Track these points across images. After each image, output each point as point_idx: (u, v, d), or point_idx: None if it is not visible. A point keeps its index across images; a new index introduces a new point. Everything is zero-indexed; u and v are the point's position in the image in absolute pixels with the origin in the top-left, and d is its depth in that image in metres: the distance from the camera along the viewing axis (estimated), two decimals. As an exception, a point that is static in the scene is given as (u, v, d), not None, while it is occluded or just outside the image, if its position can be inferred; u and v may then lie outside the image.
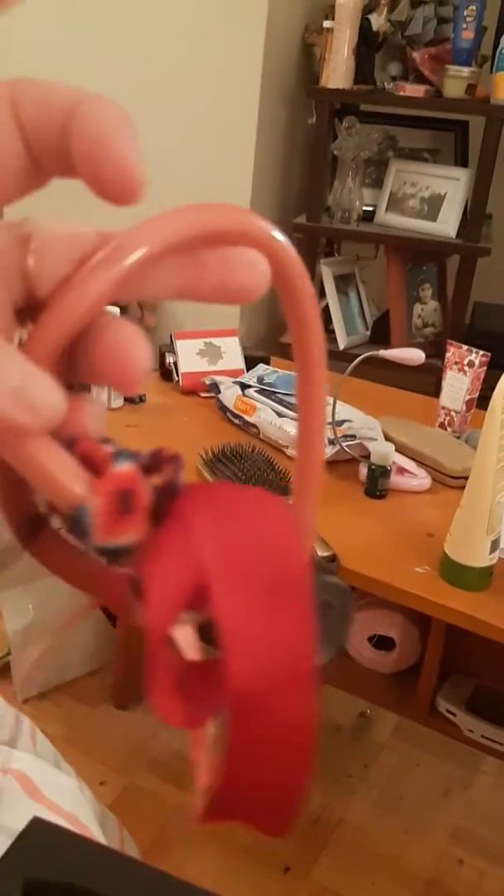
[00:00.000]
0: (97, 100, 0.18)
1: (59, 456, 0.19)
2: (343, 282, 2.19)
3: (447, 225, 2.02)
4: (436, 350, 2.17)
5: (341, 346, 2.15)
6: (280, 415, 1.32)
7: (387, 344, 2.16)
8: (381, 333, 2.19)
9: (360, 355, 2.16)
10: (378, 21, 1.99)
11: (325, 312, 2.20)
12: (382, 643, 1.24)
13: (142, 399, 1.43)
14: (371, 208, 2.12)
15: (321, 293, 2.20)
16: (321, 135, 2.04)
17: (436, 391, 1.39)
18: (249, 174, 2.10)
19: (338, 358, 2.17)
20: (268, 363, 1.54)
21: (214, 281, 0.20)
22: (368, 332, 2.22)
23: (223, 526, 0.20)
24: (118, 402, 1.39)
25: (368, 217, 2.13)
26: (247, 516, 0.20)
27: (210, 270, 0.20)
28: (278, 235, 0.20)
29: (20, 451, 0.18)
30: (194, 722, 0.20)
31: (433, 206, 2.05)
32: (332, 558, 1.01)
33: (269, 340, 2.36)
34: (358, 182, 2.08)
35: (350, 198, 2.07)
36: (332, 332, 2.18)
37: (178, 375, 1.49)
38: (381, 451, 1.17)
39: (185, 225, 0.19)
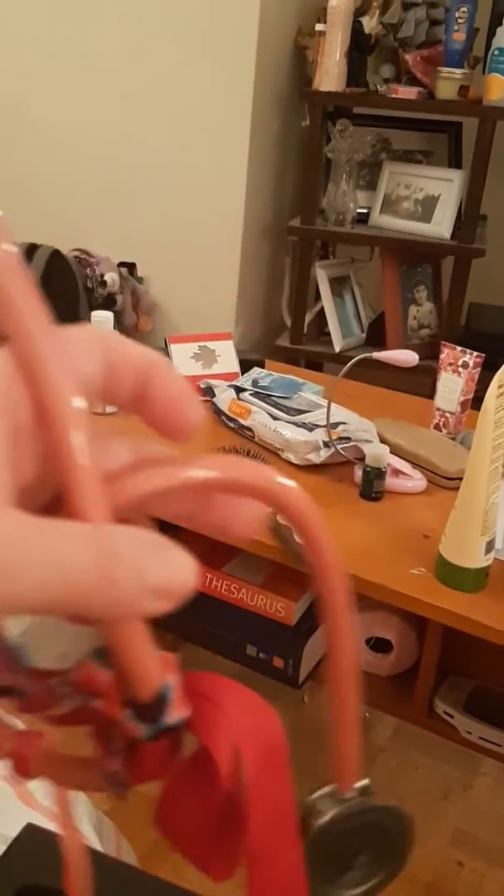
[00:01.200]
0: (166, 367, 0.22)
1: (146, 636, 0.21)
2: (338, 284, 2.20)
3: (441, 226, 2.02)
4: (431, 351, 2.17)
5: (337, 349, 2.15)
6: (275, 418, 1.31)
7: (382, 346, 2.16)
8: (376, 335, 2.19)
9: (354, 356, 2.16)
10: (370, 23, 2.00)
11: (321, 315, 2.20)
12: (380, 645, 1.24)
13: (137, 403, 1.43)
14: (365, 210, 2.13)
15: (316, 296, 2.20)
16: (314, 137, 2.04)
17: (431, 392, 1.39)
18: (243, 177, 2.10)
19: (334, 360, 2.17)
20: (262, 366, 1.54)
21: (216, 523, 0.23)
22: (364, 335, 2.22)
23: (242, 710, 0.23)
24: (112, 407, 1.38)
25: (363, 219, 2.13)
26: (247, 701, 0.24)
27: (215, 512, 0.23)
28: (300, 496, 0.23)
29: (125, 634, 0.20)
30: (230, 873, 0.25)
31: (427, 208, 2.05)
32: (328, 561, 1.01)
33: (264, 343, 2.36)
34: (352, 184, 2.08)
35: (344, 200, 2.07)
36: (328, 334, 2.18)
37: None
38: (376, 453, 1.17)
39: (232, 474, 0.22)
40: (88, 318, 2.24)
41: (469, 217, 1.96)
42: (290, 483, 0.22)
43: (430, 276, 2.18)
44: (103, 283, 2.24)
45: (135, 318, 2.33)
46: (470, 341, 2.06)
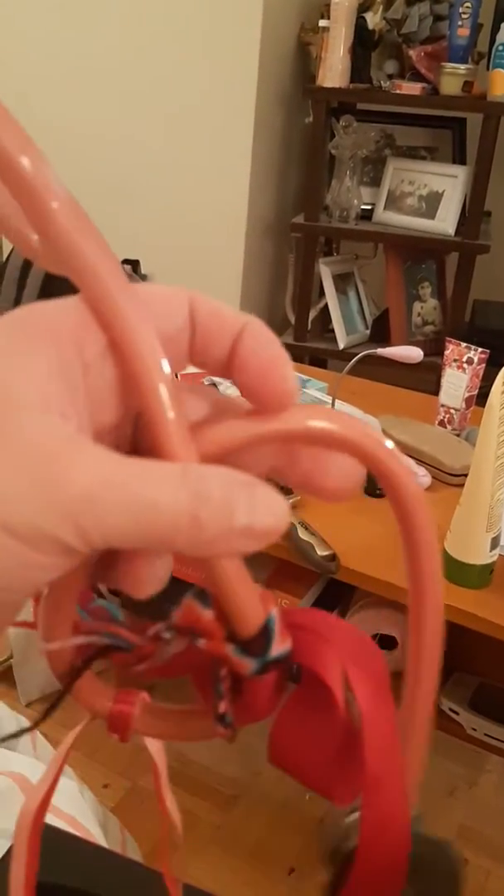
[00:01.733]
0: (261, 327, 0.21)
1: (245, 573, 0.21)
2: (342, 281, 2.19)
3: (446, 223, 2.01)
4: (436, 348, 2.16)
5: (341, 346, 2.15)
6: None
7: (387, 342, 2.16)
8: (380, 332, 2.19)
9: (358, 353, 2.16)
10: (374, 19, 1.99)
11: (325, 312, 2.20)
12: (385, 642, 1.24)
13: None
14: (369, 207, 2.12)
15: (320, 293, 2.20)
16: (318, 134, 2.04)
17: (436, 389, 1.39)
18: (246, 175, 2.10)
19: (338, 357, 2.17)
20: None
21: (302, 477, 0.22)
22: (368, 331, 2.22)
23: (346, 640, 0.23)
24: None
25: (367, 216, 2.12)
26: (349, 631, 0.24)
27: (302, 466, 0.22)
28: (390, 453, 0.22)
29: (222, 572, 0.20)
30: (353, 797, 0.24)
31: (431, 204, 2.04)
32: (332, 557, 1.01)
33: (268, 341, 2.36)
34: (356, 181, 2.08)
35: (348, 196, 2.07)
36: (332, 331, 2.18)
37: (177, 376, 1.48)
38: (381, 449, 1.17)
39: (337, 424, 0.21)
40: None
41: (473, 213, 1.96)
42: (382, 438, 0.21)
43: (435, 273, 2.17)
44: (107, 281, 2.24)
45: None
46: (474, 338, 2.06)
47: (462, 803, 1.36)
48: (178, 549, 0.18)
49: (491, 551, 0.98)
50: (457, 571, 0.99)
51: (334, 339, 2.17)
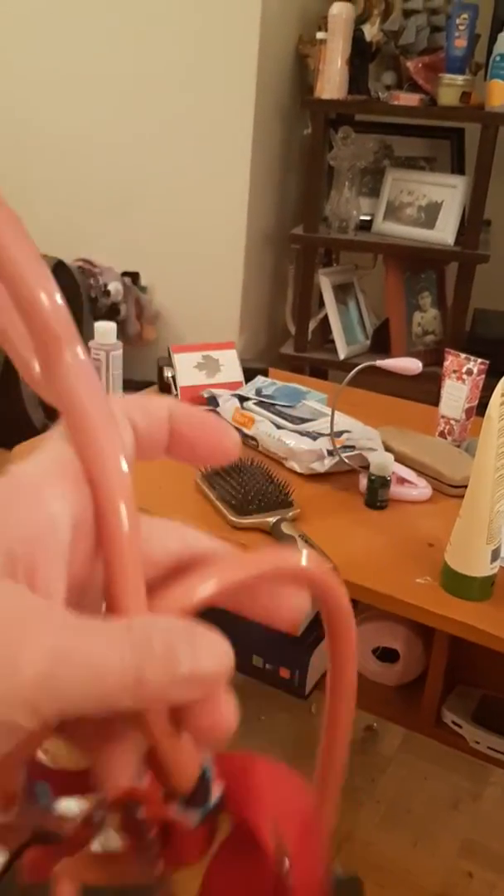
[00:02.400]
0: (185, 405, 0.23)
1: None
2: (342, 291, 2.19)
3: (445, 232, 2.02)
4: (436, 358, 2.16)
5: (342, 356, 2.15)
6: (279, 427, 1.31)
7: (387, 353, 2.16)
8: (381, 342, 2.19)
9: (359, 363, 2.16)
10: (371, 31, 2.00)
11: (325, 323, 2.20)
12: (386, 655, 1.23)
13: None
14: (368, 217, 2.13)
15: (320, 303, 2.20)
16: (316, 145, 2.04)
17: (436, 399, 1.38)
18: (246, 186, 2.11)
19: (338, 368, 2.17)
20: (266, 375, 1.54)
21: (261, 612, 0.24)
22: (369, 342, 2.22)
23: (276, 786, 0.24)
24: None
25: (366, 226, 2.13)
26: (279, 777, 0.24)
27: (260, 602, 0.24)
28: (335, 580, 0.24)
29: (160, 724, 0.20)
30: None
31: (430, 214, 2.04)
32: (333, 570, 1.00)
33: (269, 351, 2.36)
34: (355, 191, 2.08)
35: (347, 207, 2.07)
36: (332, 342, 2.18)
37: (176, 389, 1.48)
38: (381, 461, 1.16)
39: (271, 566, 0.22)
40: (92, 329, 2.25)
41: (472, 223, 1.96)
42: (328, 569, 0.23)
43: (435, 283, 2.17)
44: (107, 293, 2.25)
45: (138, 327, 2.34)
46: (475, 347, 2.06)
47: (466, 816, 1.35)
48: (123, 707, 0.18)
49: (492, 563, 0.98)
50: (458, 584, 0.99)
51: (335, 350, 2.17)
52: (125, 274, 2.29)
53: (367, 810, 1.35)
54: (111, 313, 2.27)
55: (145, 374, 2.26)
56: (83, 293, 2.21)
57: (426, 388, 1.84)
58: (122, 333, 2.34)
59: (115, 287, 2.25)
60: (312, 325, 2.20)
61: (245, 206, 2.13)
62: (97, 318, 2.20)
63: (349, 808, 1.35)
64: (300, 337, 2.20)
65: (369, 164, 2.15)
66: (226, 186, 2.11)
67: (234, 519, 1.10)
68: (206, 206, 2.15)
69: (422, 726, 1.20)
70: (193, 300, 2.29)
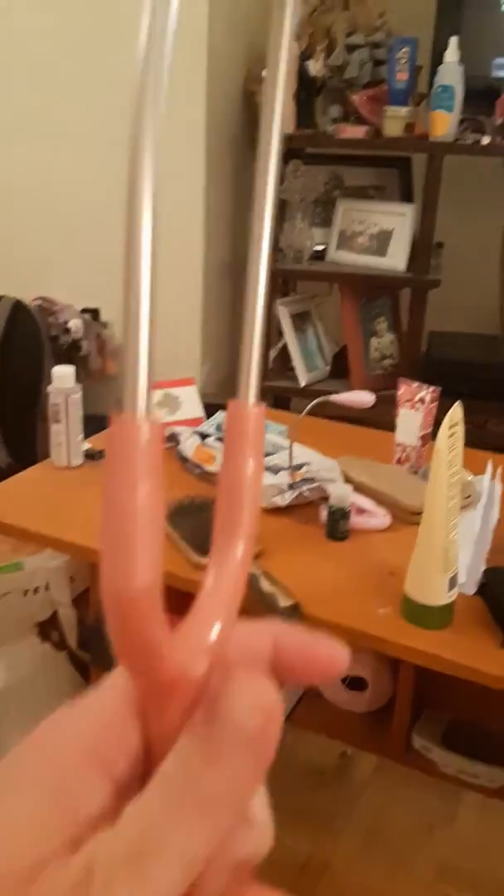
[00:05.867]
0: (291, 633, 0.24)
1: None
2: (300, 319, 2.23)
3: (396, 259, 2.06)
4: (394, 381, 2.20)
5: (302, 383, 2.18)
6: (239, 462, 1.33)
7: (347, 378, 2.19)
8: (340, 368, 2.23)
9: (321, 391, 2.19)
10: (316, 66, 2.05)
11: (285, 351, 2.23)
12: (355, 683, 1.25)
13: (101, 455, 1.44)
14: (322, 247, 2.17)
15: (280, 332, 2.23)
16: (268, 179, 2.08)
17: (396, 422, 1.40)
18: (202, 220, 2.14)
19: (299, 395, 2.20)
20: (226, 409, 1.56)
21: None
22: (328, 368, 2.25)
23: None
24: (78, 460, 1.39)
25: (320, 256, 2.17)
26: None
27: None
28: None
29: None
30: None
31: (382, 242, 2.09)
32: (296, 607, 1.02)
33: (232, 381, 2.38)
34: (307, 222, 2.12)
35: (301, 238, 2.11)
36: (293, 369, 2.21)
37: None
38: (340, 493, 1.19)
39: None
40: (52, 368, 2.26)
41: (423, 249, 2.01)
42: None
43: (389, 308, 2.21)
44: (67, 331, 2.26)
45: (101, 362, 2.35)
46: (431, 369, 2.10)
47: (442, 839, 1.36)
48: None
49: (449, 591, 1.00)
50: (417, 614, 1.01)
51: (296, 377, 2.20)
52: (85, 310, 2.31)
53: (344, 838, 1.36)
54: (72, 350, 2.28)
55: (103, 407, 2.27)
56: (43, 332, 2.21)
57: (386, 411, 1.88)
58: (84, 369, 2.35)
59: (75, 324, 2.27)
60: (273, 353, 2.23)
61: (202, 240, 2.16)
62: (58, 356, 2.22)
63: (327, 836, 1.36)
64: (262, 366, 2.22)
65: (320, 194, 2.19)
66: (182, 221, 2.14)
67: (196, 559, 1.11)
68: (164, 240, 2.17)
69: (393, 752, 1.22)
70: (155, 332, 2.30)
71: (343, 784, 1.45)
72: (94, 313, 2.33)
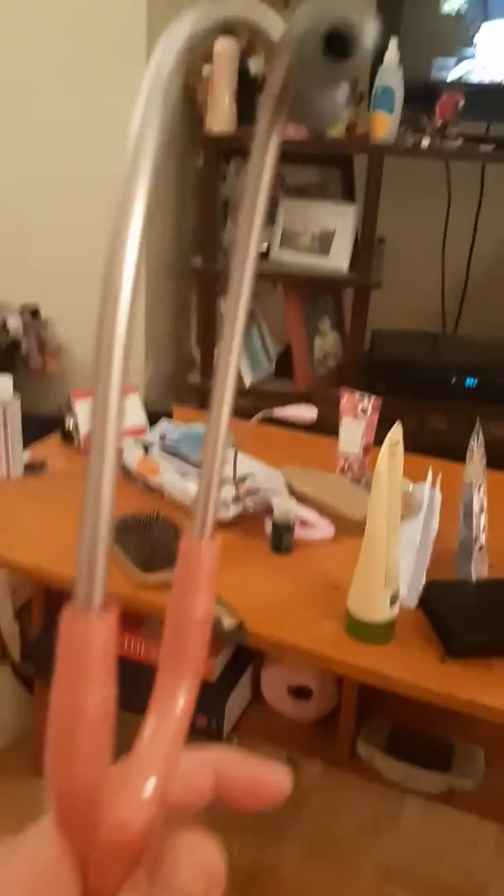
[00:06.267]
0: (234, 761, 0.24)
1: None
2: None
3: (339, 260, 2.07)
4: (339, 380, 2.22)
5: (247, 383, 2.18)
6: (184, 474, 1.32)
7: (291, 377, 2.19)
8: (284, 367, 2.23)
9: (266, 391, 2.18)
10: (257, 65, 2.03)
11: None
12: (301, 692, 1.26)
13: (42, 467, 1.41)
14: (265, 246, 2.16)
15: (221, 333, 2.22)
16: (209, 178, 2.06)
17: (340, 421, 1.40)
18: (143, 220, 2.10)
19: (244, 395, 2.19)
20: (170, 417, 1.55)
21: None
22: (273, 366, 2.25)
23: None
24: (17, 471, 1.36)
25: (264, 255, 2.16)
26: None
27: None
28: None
29: None
30: None
31: (324, 242, 2.09)
32: (240, 626, 1.02)
33: (176, 380, 2.37)
34: (250, 221, 2.11)
35: (243, 237, 2.09)
36: (237, 369, 2.20)
37: (78, 438, 1.48)
38: (283, 508, 1.19)
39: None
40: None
41: (365, 250, 2.01)
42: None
43: (332, 307, 2.22)
44: (6, 330, 2.21)
45: (41, 360, 2.30)
46: (375, 369, 2.12)
47: (388, 841, 1.39)
48: None
49: (391, 607, 1.01)
50: (360, 629, 1.02)
51: (240, 378, 2.19)
52: (24, 308, 2.26)
53: (290, 844, 1.37)
54: (11, 349, 2.23)
55: (50, 407, 2.24)
56: (-19, 331, 2.16)
57: (330, 413, 1.89)
58: (24, 368, 2.31)
59: (14, 322, 2.22)
60: (217, 353, 2.22)
61: (144, 240, 2.13)
62: (-3, 356, 2.17)
63: (273, 842, 1.37)
64: (206, 365, 2.21)
65: (263, 193, 2.18)
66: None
67: (140, 577, 1.10)
68: (104, 238, 2.13)
69: (338, 760, 1.24)
70: (95, 331, 2.27)
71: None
72: (34, 311, 2.28)
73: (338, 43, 0.21)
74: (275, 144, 0.22)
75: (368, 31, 0.22)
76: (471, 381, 2.09)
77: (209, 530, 0.25)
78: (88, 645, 0.20)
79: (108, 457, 0.20)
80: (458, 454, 1.53)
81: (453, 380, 2.09)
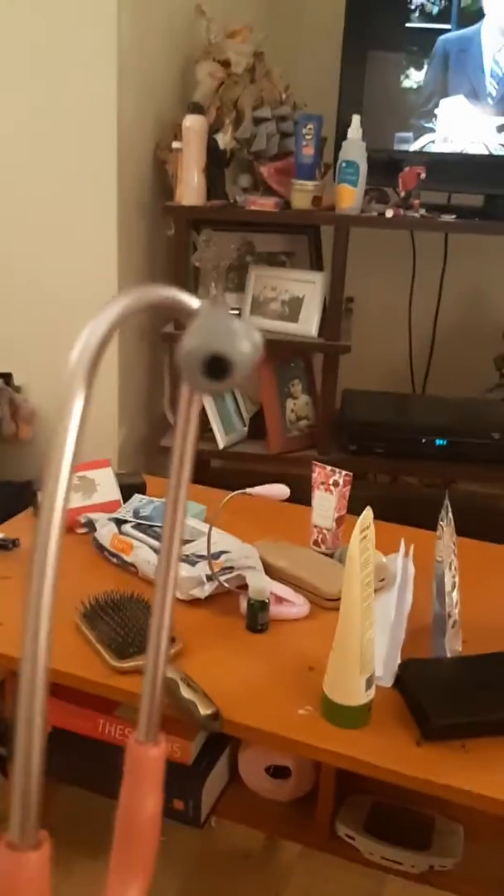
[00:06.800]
0: None
1: None
2: (216, 382, 2.24)
3: (308, 325, 2.11)
4: (312, 441, 2.24)
5: (221, 445, 2.19)
6: (157, 551, 1.32)
7: (264, 438, 2.21)
8: (257, 429, 2.25)
9: (239, 453, 2.19)
10: (224, 139, 2.09)
11: (203, 414, 2.24)
12: (279, 772, 1.25)
13: (15, 544, 1.41)
14: (237, 312, 2.19)
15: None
16: (180, 248, 2.10)
17: (312, 486, 1.41)
18: (114, 284, 2.13)
19: (218, 456, 2.21)
20: (143, 491, 1.55)
21: None
22: (246, 428, 2.27)
23: None
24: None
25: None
26: None
27: None
28: None
29: None
30: None
31: (294, 308, 2.14)
32: (216, 716, 1.02)
33: (148, 442, 2.38)
34: (221, 288, 2.15)
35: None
36: (211, 431, 2.22)
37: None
38: (258, 587, 1.20)
39: None
40: (-35, 437, 2.20)
41: (333, 316, 2.06)
42: None
43: (303, 370, 2.26)
44: (-21, 397, 2.21)
45: (14, 427, 2.30)
46: (346, 429, 2.15)
47: (369, 917, 1.37)
48: None
49: (367, 691, 1.02)
50: (336, 714, 1.02)
51: (213, 440, 2.21)
52: (-3, 375, 2.26)
53: (273, 925, 1.35)
54: (-16, 416, 2.23)
55: (22, 473, 2.23)
56: (-47, 398, 2.16)
57: (302, 474, 1.91)
58: (-3, 435, 2.30)
59: (-14, 389, 2.22)
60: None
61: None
62: (-31, 423, 2.16)
63: (255, 924, 1.35)
64: (178, 429, 2.23)
65: (233, 260, 2.22)
66: (94, 286, 2.13)
67: (114, 664, 1.10)
68: (77, 306, 2.16)
69: (316, 842, 1.22)
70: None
71: (270, 868, 1.45)
72: (7, 377, 2.29)
73: (217, 366, 0.27)
74: (196, 404, 0.27)
75: (241, 359, 0.28)
76: (440, 442, 2.12)
77: (154, 734, 0.26)
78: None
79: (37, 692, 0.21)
80: (428, 512, 1.55)
81: (423, 440, 2.13)
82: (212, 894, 1.36)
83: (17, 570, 1.35)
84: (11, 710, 1.36)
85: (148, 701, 0.25)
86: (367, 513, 0.99)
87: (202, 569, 1.26)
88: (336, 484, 1.37)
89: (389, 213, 2.00)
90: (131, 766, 0.25)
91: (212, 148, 2.05)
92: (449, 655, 1.13)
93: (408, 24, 2.11)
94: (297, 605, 1.25)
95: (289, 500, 1.35)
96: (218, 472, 2.47)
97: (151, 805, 0.25)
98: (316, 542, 1.41)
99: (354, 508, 1.40)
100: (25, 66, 1.98)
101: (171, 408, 2.31)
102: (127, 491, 1.53)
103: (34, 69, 1.98)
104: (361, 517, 0.98)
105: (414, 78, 2.15)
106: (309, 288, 2.12)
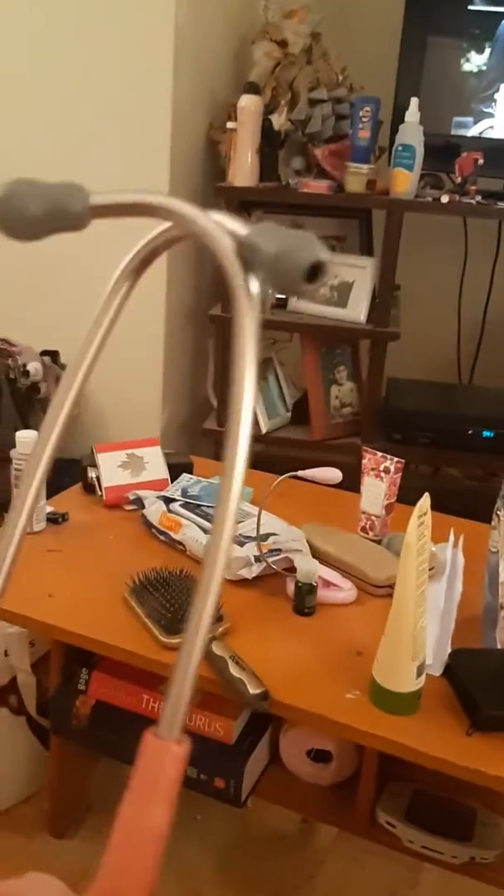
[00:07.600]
0: None
1: None
2: (261, 366, 2.24)
3: (357, 311, 2.09)
4: (355, 428, 2.23)
5: (263, 430, 2.19)
6: (206, 531, 1.32)
7: (307, 424, 2.20)
8: (301, 415, 2.24)
9: (282, 438, 2.19)
10: (279, 121, 2.07)
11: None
12: (320, 756, 1.25)
13: (64, 518, 1.42)
14: (284, 296, 2.18)
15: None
16: (231, 229, 2.09)
17: (357, 471, 1.39)
18: (164, 266, 2.13)
19: (260, 441, 2.20)
20: (191, 471, 1.55)
21: None
22: (289, 414, 2.26)
23: None
24: (41, 525, 1.37)
25: (282, 304, 2.18)
26: None
27: None
28: None
29: None
30: None
31: (343, 294, 2.11)
32: (264, 696, 1.01)
33: (191, 425, 2.38)
34: (269, 271, 2.13)
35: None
36: (254, 415, 2.21)
37: (101, 490, 1.48)
38: (307, 569, 1.19)
39: None
40: (12, 412, 2.22)
41: (383, 302, 2.04)
42: None
43: (350, 357, 2.24)
44: (26, 373, 2.22)
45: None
46: (390, 418, 2.13)
47: (404, 906, 1.36)
48: None
49: (417, 678, 1.01)
50: (385, 700, 1.01)
51: (257, 423, 2.20)
52: (44, 353, 2.28)
53: (307, 907, 1.35)
54: (31, 392, 2.25)
55: (68, 450, 2.24)
56: (1, 374, 2.18)
57: (344, 461, 1.89)
58: (43, 411, 2.32)
59: (34, 366, 2.23)
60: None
61: (164, 286, 2.15)
62: (16, 398, 2.18)
63: (289, 906, 1.35)
64: (222, 411, 2.23)
65: (282, 244, 2.20)
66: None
67: (163, 639, 1.10)
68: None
69: (357, 827, 1.22)
70: (115, 376, 2.28)
71: (304, 852, 1.45)
72: (54, 356, 2.30)
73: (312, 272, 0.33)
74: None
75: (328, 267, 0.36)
76: (487, 433, 2.09)
77: (177, 730, 0.22)
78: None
79: None
80: (472, 503, 1.53)
81: (469, 431, 2.10)
82: (247, 874, 1.37)
83: (66, 544, 1.36)
84: (54, 682, 1.37)
85: (178, 687, 0.22)
86: (425, 499, 0.98)
87: (250, 549, 1.26)
88: (387, 471, 1.36)
89: (445, 199, 1.97)
90: (143, 763, 0.22)
91: (266, 129, 2.03)
92: (500, 647, 1.11)
93: (470, 7, 2.07)
94: (344, 590, 1.24)
95: (332, 485, 1.34)
96: (259, 457, 2.47)
97: (159, 818, 0.22)
98: (364, 529, 1.40)
99: (398, 497, 1.39)
100: (83, 44, 1.98)
101: (215, 391, 2.31)
102: (174, 471, 1.53)
103: (92, 47, 1.97)
104: (419, 503, 0.97)
105: (475, 62, 2.11)
106: (359, 273, 2.10)
